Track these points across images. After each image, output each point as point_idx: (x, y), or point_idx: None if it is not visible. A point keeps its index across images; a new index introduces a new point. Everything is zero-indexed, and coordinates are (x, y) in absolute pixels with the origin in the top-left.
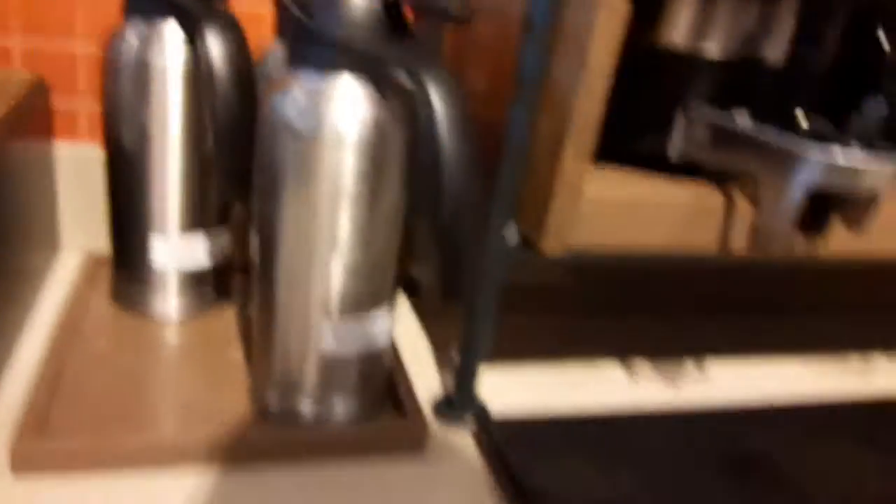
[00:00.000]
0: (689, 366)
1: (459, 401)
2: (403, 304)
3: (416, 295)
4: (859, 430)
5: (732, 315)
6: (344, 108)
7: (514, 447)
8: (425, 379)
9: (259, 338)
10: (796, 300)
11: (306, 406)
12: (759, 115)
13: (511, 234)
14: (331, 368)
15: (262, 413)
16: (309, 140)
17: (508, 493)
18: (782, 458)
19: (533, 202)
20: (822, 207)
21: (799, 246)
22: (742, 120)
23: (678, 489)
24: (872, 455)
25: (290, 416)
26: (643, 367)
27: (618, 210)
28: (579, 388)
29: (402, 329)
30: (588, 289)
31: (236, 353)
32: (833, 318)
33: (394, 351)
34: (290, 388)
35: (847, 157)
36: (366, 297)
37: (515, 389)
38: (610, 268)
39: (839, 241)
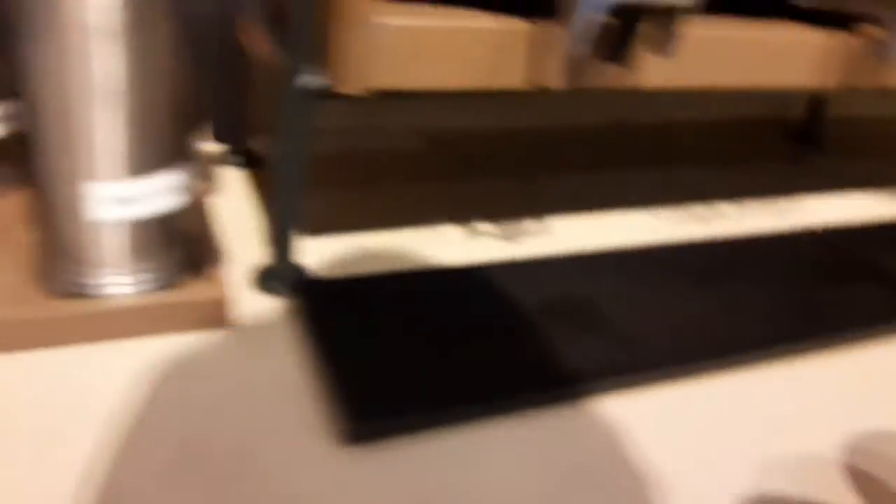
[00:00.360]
0: (532, 223)
1: (277, 268)
2: (241, 180)
3: (257, 167)
4: (693, 269)
5: (580, 174)
6: None
7: (325, 309)
8: (253, 254)
9: (37, 210)
10: (645, 157)
11: (92, 278)
12: None
13: (310, 79)
14: (114, 236)
15: (49, 291)
16: None
17: (315, 355)
18: (604, 300)
19: (330, 44)
20: (629, 32)
21: (608, 75)
22: None
23: (487, 331)
24: (700, 290)
25: (76, 291)
26: (486, 228)
27: (420, 43)
28: (419, 251)
29: (237, 205)
30: (431, 157)
31: (26, 234)
32: (679, 171)
33: (203, 221)
34: (71, 260)
35: None
36: (143, 158)
37: (352, 258)
38: (450, 135)
39: (653, 72)
